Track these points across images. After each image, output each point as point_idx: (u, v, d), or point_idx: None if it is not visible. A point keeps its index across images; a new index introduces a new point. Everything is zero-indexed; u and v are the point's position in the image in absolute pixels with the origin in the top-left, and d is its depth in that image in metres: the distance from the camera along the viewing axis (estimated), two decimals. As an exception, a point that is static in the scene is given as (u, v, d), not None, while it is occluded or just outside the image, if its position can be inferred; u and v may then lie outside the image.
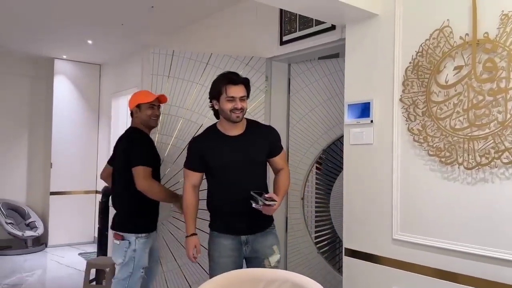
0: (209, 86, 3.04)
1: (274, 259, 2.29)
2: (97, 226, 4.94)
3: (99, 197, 5.19)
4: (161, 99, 2.78)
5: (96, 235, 5.11)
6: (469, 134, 1.93)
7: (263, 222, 2.31)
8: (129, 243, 2.59)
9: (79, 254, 5.73)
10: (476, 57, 1.92)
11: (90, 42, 5.20)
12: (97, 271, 4.13)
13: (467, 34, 1.95)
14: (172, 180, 3.04)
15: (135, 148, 2.59)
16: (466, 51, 1.96)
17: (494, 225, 1.84)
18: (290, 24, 3.10)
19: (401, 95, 2.21)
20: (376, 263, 2.29)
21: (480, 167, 1.89)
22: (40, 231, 5.97)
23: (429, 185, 2.08)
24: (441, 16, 2.05)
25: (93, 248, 5.61)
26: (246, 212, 2.19)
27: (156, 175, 2.69)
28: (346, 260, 2.45)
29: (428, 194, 2.08)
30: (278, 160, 2.38)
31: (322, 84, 3.25)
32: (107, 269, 3.94)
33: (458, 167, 1.97)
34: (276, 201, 2.13)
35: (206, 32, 4.08)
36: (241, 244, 2.27)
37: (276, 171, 2.41)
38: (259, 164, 2.33)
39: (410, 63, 2.17)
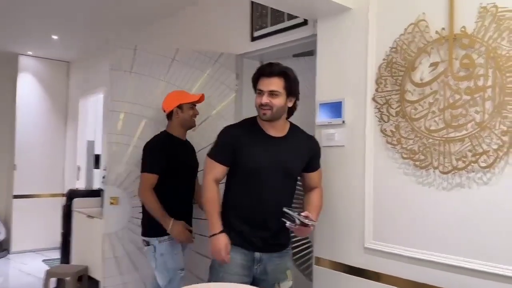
0: (176, 83, 2.92)
1: (285, 286, 2.00)
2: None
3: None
4: (201, 99, 2.67)
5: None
6: (445, 136, 1.80)
7: (283, 242, 2.04)
8: (154, 247, 2.48)
9: (43, 260, 5.44)
10: (453, 53, 1.79)
11: (55, 37, 4.95)
12: (58, 280, 3.89)
13: (443, 29, 1.83)
14: (136, 183, 2.83)
15: (145, 153, 2.53)
16: (442, 47, 1.83)
17: (471, 234, 1.71)
18: (262, 19, 2.95)
19: (374, 94, 2.07)
20: (347, 273, 2.14)
21: (456, 171, 1.76)
22: (1, 236, 5.66)
23: (403, 190, 1.94)
24: (416, 9, 1.92)
25: (59, 255, 5.34)
26: (268, 227, 1.94)
27: (173, 182, 2.52)
28: (316, 270, 2.30)
29: (402, 199, 1.95)
30: (314, 176, 2.08)
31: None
32: (68, 278, 3.70)
33: (433, 171, 1.84)
34: (314, 221, 1.85)
35: (174, 28, 3.90)
36: (254, 262, 1.97)
37: (309, 189, 2.09)
38: (293, 177, 2.03)
39: (383, 59, 2.04)
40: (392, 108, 1.99)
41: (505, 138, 1.62)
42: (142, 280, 2.83)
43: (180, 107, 2.57)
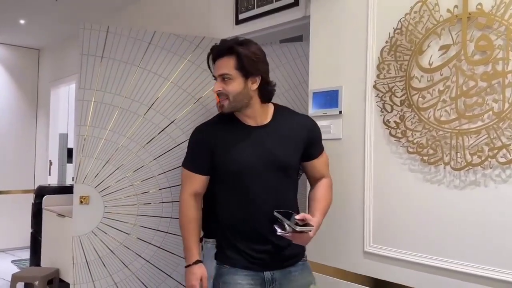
0: (152, 70, 2.65)
1: None
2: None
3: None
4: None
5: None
6: (458, 128, 1.59)
7: (295, 251, 1.63)
8: (201, 247, 2.24)
9: (13, 261, 5.11)
10: (467, 34, 1.58)
11: (22, 22, 4.59)
12: (25, 284, 3.60)
13: (456, 6, 1.61)
14: (107, 181, 2.56)
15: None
16: (454, 27, 1.62)
17: (487, 238, 1.52)
18: (247, 0, 2.69)
19: (375, 81, 1.86)
20: (345, 280, 1.93)
21: (470, 167, 1.56)
22: (-33, 235, 5.30)
23: (408, 188, 1.74)
24: (424, -15, 1.70)
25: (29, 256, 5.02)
26: (268, 238, 1.56)
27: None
28: (310, 276, 2.08)
29: (407, 199, 1.74)
30: (318, 164, 1.69)
31: (284, 71, 2.87)
32: (36, 283, 3.42)
33: (444, 168, 1.63)
34: (312, 225, 1.46)
35: (152, 10, 3.62)
36: (265, 285, 1.59)
37: (314, 181, 1.72)
38: (289, 169, 1.64)
39: (386, 42, 1.82)
40: (396, 97, 1.78)
41: (529, 130, 1.43)
42: (117, 286, 2.58)
43: None
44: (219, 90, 1.55)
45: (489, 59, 1.52)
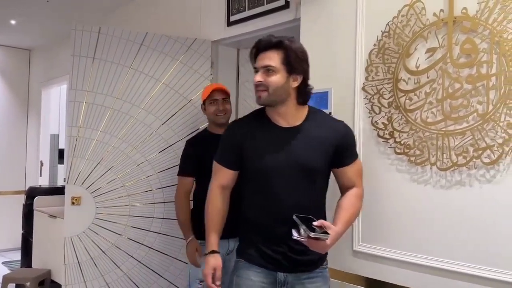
0: (144, 71, 2.66)
1: None
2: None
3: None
4: (225, 91, 2.34)
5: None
6: (444, 129, 1.63)
7: (312, 258, 1.59)
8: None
9: (3, 263, 5.07)
10: (453, 38, 1.62)
11: (13, 22, 4.56)
12: (16, 286, 3.58)
13: (442, 10, 1.65)
14: (98, 182, 2.57)
15: (181, 155, 2.38)
16: (440, 31, 1.66)
17: (471, 236, 1.56)
18: (239, 1, 2.71)
19: (363, 83, 1.89)
20: (335, 278, 1.95)
21: (456, 167, 1.60)
22: (-42, 237, 5.25)
23: (396, 188, 1.77)
24: (411, -11, 1.74)
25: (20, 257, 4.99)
26: (287, 239, 1.51)
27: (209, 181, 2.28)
28: (300, 275, 2.11)
29: (395, 199, 1.77)
30: (348, 172, 1.63)
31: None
32: (27, 284, 3.41)
33: (430, 168, 1.67)
34: (328, 234, 1.42)
35: (144, 12, 3.62)
36: (276, 286, 1.59)
37: (344, 189, 1.66)
38: (315, 173, 1.59)
39: (374, 45, 1.85)
40: (384, 99, 1.81)
41: (511, 131, 1.47)
42: (108, 287, 2.59)
43: (204, 102, 2.34)
44: (260, 81, 1.54)
45: (474, 62, 1.56)
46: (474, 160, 1.55)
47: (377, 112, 1.83)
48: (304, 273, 1.60)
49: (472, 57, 1.57)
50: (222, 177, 1.67)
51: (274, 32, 2.60)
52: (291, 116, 1.60)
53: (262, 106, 1.65)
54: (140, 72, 2.64)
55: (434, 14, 1.67)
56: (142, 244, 2.65)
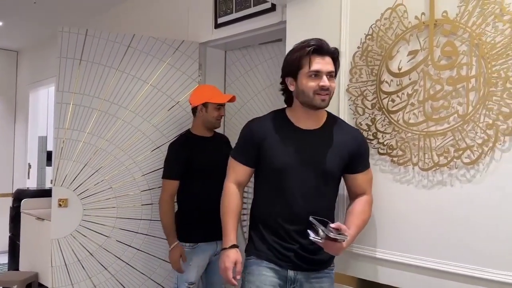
0: (131, 73, 2.66)
1: None
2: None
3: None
4: (232, 100, 2.39)
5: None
6: (425, 130, 1.66)
7: (323, 257, 1.64)
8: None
9: (-10, 266, 5.02)
10: (434, 40, 1.65)
11: (0, 23, 4.53)
12: (3, 289, 3.55)
13: (423, 14, 1.68)
14: (85, 184, 2.57)
15: (166, 157, 2.36)
16: (422, 34, 1.69)
17: (453, 235, 1.58)
18: (226, 4, 2.73)
19: (348, 85, 1.91)
20: (319, 278, 1.98)
21: (437, 168, 1.63)
22: None
23: (379, 188, 1.79)
24: (394, -8, 1.77)
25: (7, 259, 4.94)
26: (299, 238, 1.59)
27: (197, 184, 2.30)
28: (286, 275, 2.12)
29: (379, 199, 1.79)
30: (360, 179, 1.68)
31: (262, 70, 2.91)
32: (15, 287, 3.38)
33: (413, 168, 1.70)
34: (346, 235, 1.48)
35: (132, 13, 3.62)
36: (286, 283, 1.63)
37: (355, 196, 1.71)
38: (329, 176, 1.64)
39: (358, 48, 1.88)
40: (368, 100, 1.84)
41: (490, 132, 1.50)
42: (96, 289, 2.58)
43: (205, 105, 2.31)
44: (330, 85, 1.58)
45: (454, 64, 1.59)
46: (455, 160, 1.58)
47: (361, 114, 1.86)
48: (313, 272, 1.64)
49: (452, 59, 1.60)
50: (239, 173, 1.71)
51: (261, 35, 2.65)
52: (318, 119, 1.67)
53: (283, 107, 1.73)
54: (128, 74, 2.64)
55: (416, 17, 1.70)
56: (130, 246, 2.65)
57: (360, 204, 1.68)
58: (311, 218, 1.52)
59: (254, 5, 2.56)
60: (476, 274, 1.52)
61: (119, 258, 2.63)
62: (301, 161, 1.61)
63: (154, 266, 2.69)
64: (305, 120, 1.66)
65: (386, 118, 1.77)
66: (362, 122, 1.86)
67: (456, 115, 1.58)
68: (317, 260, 1.64)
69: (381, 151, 1.79)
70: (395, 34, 1.76)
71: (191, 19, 3.01)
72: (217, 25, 2.80)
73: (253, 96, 2.92)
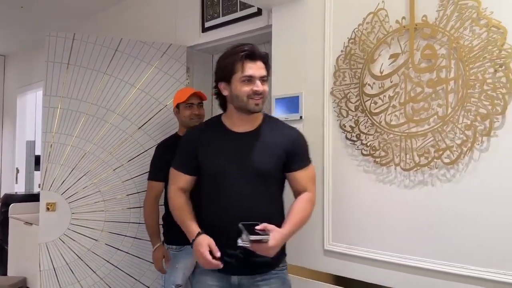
0: (119, 76, 2.67)
1: None
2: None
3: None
4: (201, 96, 2.37)
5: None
6: (407, 131, 1.70)
7: (267, 260, 1.57)
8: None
9: (-23, 272, 4.96)
10: (414, 44, 1.70)
11: (-13, 27, 4.50)
12: (-10, 294, 3.52)
13: (404, 18, 1.73)
14: (73, 188, 2.57)
15: (152, 159, 2.37)
16: (403, 37, 1.74)
17: (434, 233, 1.63)
18: (213, 8, 2.77)
19: (332, 88, 1.95)
20: (307, 277, 2.01)
21: (418, 168, 1.67)
22: None
23: (363, 188, 1.84)
24: (375, -3, 1.81)
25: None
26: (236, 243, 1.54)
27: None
28: (274, 275, 2.15)
29: (363, 198, 1.84)
30: (299, 177, 1.66)
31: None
32: (2, 292, 3.36)
33: (395, 168, 1.74)
34: (267, 235, 1.46)
35: (119, 17, 3.64)
36: None
37: (297, 194, 1.69)
38: (267, 178, 1.62)
39: (342, 51, 1.92)
40: (351, 102, 1.88)
41: (469, 133, 1.55)
42: (85, 293, 2.58)
43: (178, 106, 2.34)
44: (264, 90, 1.59)
45: (434, 67, 1.64)
46: (435, 160, 1.63)
47: (345, 116, 1.90)
48: (259, 275, 1.62)
49: (432, 62, 1.65)
50: (179, 181, 1.70)
51: (247, 39, 2.67)
52: (252, 122, 1.66)
53: (219, 114, 1.74)
54: (115, 78, 2.66)
55: (397, 21, 1.75)
56: (119, 249, 2.66)
57: (300, 202, 1.66)
58: (239, 225, 1.51)
59: (241, 10, 2.60)
60: (456, 271, 1.56)
61: (107, 262, 2.63)
62: (237, 164, 1.60)
63: (143, 269, 2.70)
64: (240, 124, 1.65)
65: (369, 120, 1.82)
66: (346, 124, 1.89)
67: (436, 116, 1.63)
68: (260, 263, 1.59)
69: (365, 152, 1.83)
70: (376, 38, 1.81)
71: (178, 23, 3.04)
72: (205, 29, 2.83)
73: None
